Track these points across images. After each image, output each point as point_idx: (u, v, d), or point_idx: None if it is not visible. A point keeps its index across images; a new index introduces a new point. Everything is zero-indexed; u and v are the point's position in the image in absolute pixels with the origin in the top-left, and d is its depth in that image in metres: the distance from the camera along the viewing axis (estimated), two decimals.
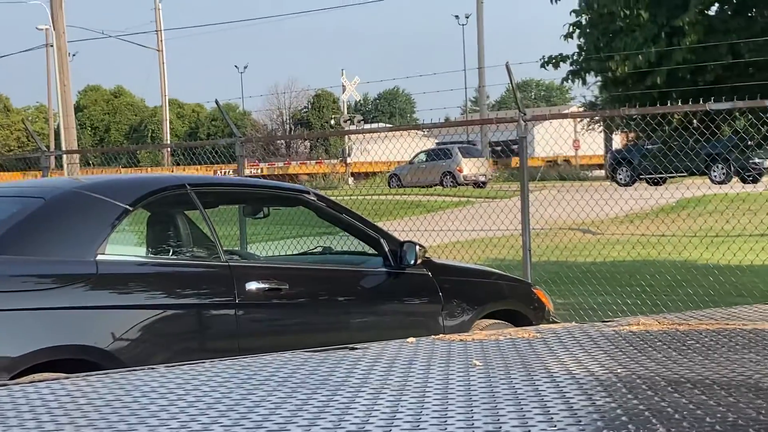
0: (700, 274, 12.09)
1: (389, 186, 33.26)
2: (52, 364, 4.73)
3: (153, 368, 3.28)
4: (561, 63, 13.27)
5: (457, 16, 76.48)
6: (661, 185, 20.75)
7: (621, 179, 26.56)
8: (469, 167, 36.23)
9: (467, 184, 34.51)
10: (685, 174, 21.42)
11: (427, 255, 6.69)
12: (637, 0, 12.17)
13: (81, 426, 2.40)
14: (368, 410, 2.43)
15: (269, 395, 2.70)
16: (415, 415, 2.33)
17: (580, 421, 2.20)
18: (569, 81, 13.53)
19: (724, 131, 12.59)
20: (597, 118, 18.49)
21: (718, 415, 2.20)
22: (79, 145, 37.72)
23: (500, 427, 2.17)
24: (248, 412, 2.48)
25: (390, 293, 6.55)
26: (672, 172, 16.22)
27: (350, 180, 38.19)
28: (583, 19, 13.21)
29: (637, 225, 15.60)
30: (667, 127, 11.79)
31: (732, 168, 22.59)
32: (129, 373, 3.22)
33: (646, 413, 2.26)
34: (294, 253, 9.75)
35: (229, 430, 2.26)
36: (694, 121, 10.98)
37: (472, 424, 2.22)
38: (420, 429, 2.19)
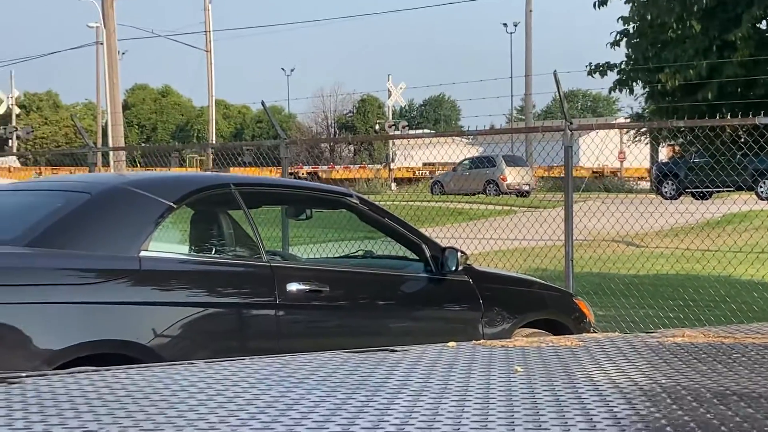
0: (744, 290, 11.95)
1: (431, 192, 33.20)
2: (93, 358, 4.75)
3: (192, 363, 3.28)
4: (608, 71, 13.18)
5: (505, 24, 76.33)
6: (707, 199, 20.55)
7: (666, 192, 26.34)
8: (513, 176, 36.09)
9: (510, 193, 34.37)
10: (732, 189, 21.19)
11: (468, 262, 6.65)
12: (690, 12, 12.06)
13: (119, 417, 2.40)
14: (408, 412, 2.40)
15: (308, 393, 2.68)
16: (456, 419, 2.31)
17: (624, 430, 2.16)
18: (616, 90, 13.44)
19: None
20: (643, 130, 18.34)
21: (766, 429, 2.15)
22: (126, 143, 38.04)
23: None
24: (287, 409, 2.46)
25: (430, 299, 6.51)
26: (719, 187, 16.04)
27: (393, 185, 38.18)
28: (631, 28, 13.11)
29: (681, 239, 15.44)
30: (716, 141, 11.67)
31: None
32: (169, 367, 3.21)
33: (692, 424, 2.21)
34: (335, 256, 9.76)
35: (267, 426, 2.24)
36: (742, 135, 10.85)
37: (513, 429, 2.19)
38: None
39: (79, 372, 3.11)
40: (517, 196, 33.05)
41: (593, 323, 7.40)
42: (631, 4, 13.37)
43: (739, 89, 12.03)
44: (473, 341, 3.82)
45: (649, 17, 12.46)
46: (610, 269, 13.87)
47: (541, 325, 6.76)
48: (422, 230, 6.98)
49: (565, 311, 7.11)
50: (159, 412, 2.43)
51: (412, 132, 42.71)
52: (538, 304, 7.02)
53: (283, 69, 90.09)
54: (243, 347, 5.35)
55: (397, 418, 2.33)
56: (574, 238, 10.19)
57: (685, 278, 13.42)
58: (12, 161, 43.84)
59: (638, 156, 35.77)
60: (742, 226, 15.46)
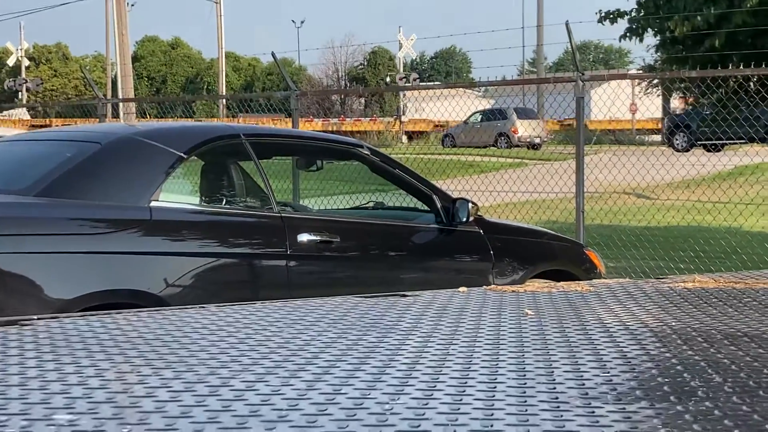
0: (756, 241, 11.96)
1: (443, 145, 33.13)
2: (104, 308, 4.77)
3: (204, 307, 3.29)
4: (619, 19, 13.06)
5: None
6: (719, 151, 20.46)
7: (678, 144, 26.21)
8: (525, 128, 35.99)
9: (522, 146, 34.28)
10: (745, 140, 21.07)
11: (479, 213, 6.65)
12: None
13: (131, 357, 2.41)
14: (418, 353, 2.41)
15: (319, 335, 2.69)
16: (466, 359, 2.31)
17: (634, 369, 2.17)
18: (627, 38, 13.31)
19: None
20: (655, 81, 18.21)
21: None
22: (135, 95, 37.96)
23: (552, 372, 2.15)
24: (298, 350, 2.47)
25: (441, 249, 6.53)
26: (731, 138, 15.97)
27: (404, 138, 38.12)
28: None
29: (692, 190, 15.41)
30: (725, 89, 11.59)
31: None
32: (180, 311, 3.23)
33: (702, 363, 2.22)
34: (347, 207, 9.76)
35: (279, 365, 2.26)
36: (752, 83, 10.77)
37: (524, 368, 2.20)
38: (471, 371, 2.17)
39: (91, 315, 3.12)
40: (529, 148, 32.96)
41: (604, 274, 7.42)
42: None
43: (749, 39, 11.91)
44: (484, 287, 3.82)
45: None
46: (621, 221, 13.89)
47: (552, 276, 6.76)
48: (434, 183, 6.98)
49: (576, 262, 7.12)
50: (170, 352, 2.44)
51: (422, 84, 42.52)
52: (548, 255, 7.04)
53: (293, 21, 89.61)
54: (254, 297, 5.36)
55: (407, 358, 2.34)
56: (585, 190, 10.17)
57: (696, 230, 13.43)
58: (22, 113, 43.83)
59: (650, 107, 35.61)
60: (754, 178, 15.43)
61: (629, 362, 2.25)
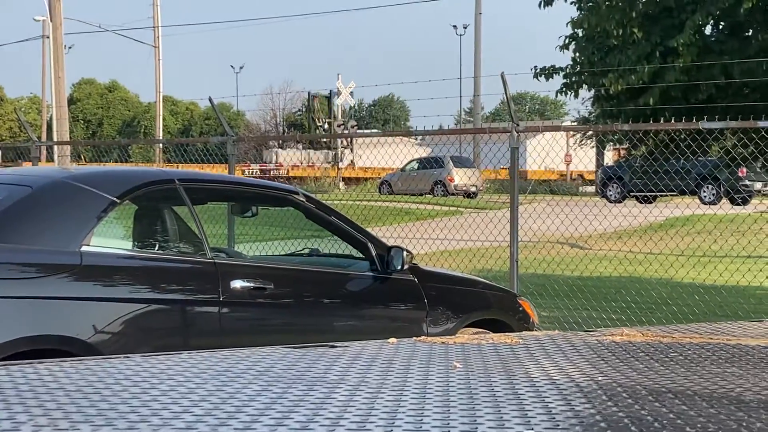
0: (686, 293, 12.09)
1: (379, 192, 33.21)
2: (32, 354, 4.66)
3: (129, 357, 3.24)
4: (554, 75, 13.24)
5: (455, 26, 76.67)
6: (651, 203, 20.77)
7: (611, 195, 26.58)
8: (461, 177, 36.22)
9: (458, 194, 34.48)
10: (676, 193, 21.42)
11: (414, 261, 6.65)
12: (630, 18, 12.15)
13: (49, 410, 2.35)
14: (344, 407, 2.39)
15: (244, 387, 2.66)
16: (391, 413, 2.29)
17: (558, 425, 2.17)
18: (563, 94, 13.49)
19: (714, 150, 12.59)
20: (590, 133, 18.49)
21: (698, 426, 2.16)
22: (71, 138, 37.60)
23: (476, 428, 2.13)
24: (221, 403, 2.44)
25: (375, 297, 6.50)
26: (662, 191, 16.23)
27: (341, 184, 38.15)
28: (580, 32, 13.18)
29: (624, 241, 15.60)
30: (655, 142, 11.78)
31: (722, 189, 22.59)
32: (104, 361, 3.17)
33: (626, 420, 2.22)
34: (282, 253, 9.71)
35: (200, 419, 2.22)
36: (683, 135, 10.97)
37: (448, 424, 2.18)
38: (395, 426, 2.14)
39: (12, 365, 3.05)
40: (465, 197, 33.16)
41: (537, 323, 7.44)
42: (577, 10, 13.47)
43: (681, 94, 12.14)
44: (414, 338, 3.80)
45: (587, 24, 12.55)
46: (554, 270, 13.98)
47: (486, 325, 6.77)
48: (370, 229, 6.98)
49: (509, 311, 7.14)
50: (90, 405, 2.39)
51: (360, 131, 42.70)
52: (482, 304, 7.04)
53: (232, 66, 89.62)
54: (186, 344, 5.29)
55: (332, 412, 2.31)
56: (519, 239, 10.24)
57: (628, 280, 13.56)
58: None
59: (584, 159, 36.07)
60: (684, 230, 15.66)
61: (553, 419, 2.24)
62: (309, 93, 37.60)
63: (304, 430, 2.10)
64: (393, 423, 2.18)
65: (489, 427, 2.14)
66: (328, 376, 2.86)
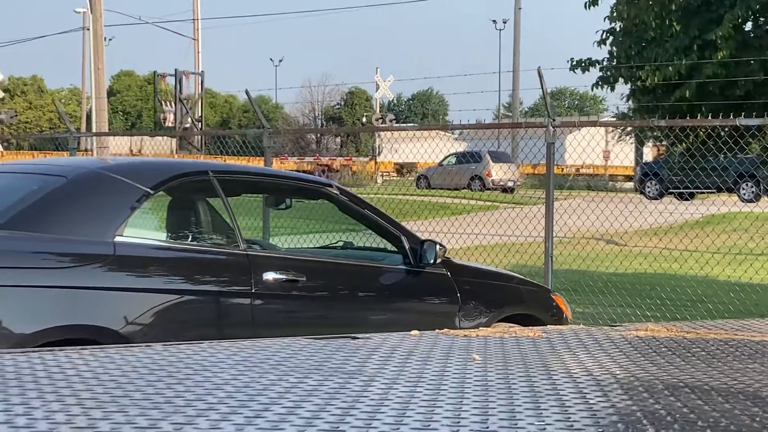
0: (722, 291, 11.99)
1: (417, 187, 33.19)
2: (64, 343, 4.70)
3: (149, 346, 3.25)
4: (590, 68, 13.18)
5: (494, 21, 76.50)
6: (689, 200, 20.61)
7: (649, 192, 26.38)
8: (498, 172, 36.14)
9: (495, 189, 34.39)
10: (714, 190, 21.24)
11: (447, 255, 6.64)
12: (669, 11, 12.06)
13: (63, 396, 2.37)
14: (356, 397, 2.39)
15: (260, 377, 2.66)
16: (404, 404, 2.29)
17: (569, 418, 2.15)
18: (599, 87, 13.44)
19: (753, 147, 12.46)
20: (628, 129, 18.37)
21: (711, 420, 2.14)
22: (110, 130, 37.80)
23: (487, 419, 2.12)
24: (235, 392, 2.44)
25: (407, 291, 6.50)
26: (699, 188, 16.10)
27: (379, 179, 38.18)
28: (617, 26, 13.11)
29: (660, 237, 15.50)
30: (693, 139, 11.69)
31: (762, 186, 22.34)
32: (124, 349, 3.19)
33: (638, 414, 2.20)
34: (315, 246, 9.73)
35: (211, 407, 2.22)
36: (722, 134, 10.87)
37: (459, 415, 2.17)
38: (405, 417, 2.14)
39: (33, 351, 3.08)
40: (502, 191, 33.07)
41: (570, 319, 7.41)
42: (616, 3, 13.39)
43: (719, 89, 12.04)
44: (436, 330, 3.80)
45: (626, 15, 12.48)
46: (590, 267, 13.91)
47: (519, 320, 6.74)
48: (405, 223, 6.98)
49: (543, 307, 7.11)
50: (105, 392, 2.40)
51: (397, 125, 42.71)
52: (515, 299, 7.02)
53: (271, 59, 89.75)
54: (217, 336, 5.30)
55: (344, 402, 2.31)
56: (555, 235, 10.19)
57: (664, 277, 13.47)
58: None
59: (621, 155, 35.85)
60: (721, 227, 15.52)
61: (566, 411, 2.23)
62: (155, 73, 34.85)
63: (314, 419, 2.10)
64: (404, 414, 2.18)
65: (500, 419, 2.13)
66: (345, 366, 2.86)
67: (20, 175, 5.93)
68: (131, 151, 39.58)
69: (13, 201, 5.29)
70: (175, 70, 33.72)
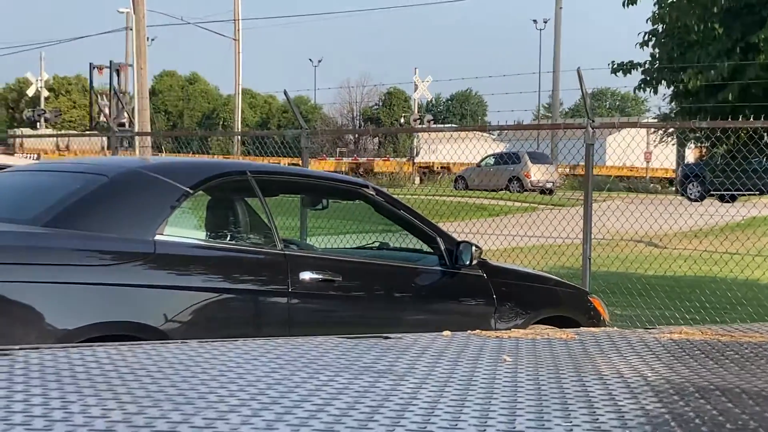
0: (762, 294, 11.89)
1: (455, 188, 33.14)
2: (105, 339, 4.76)
3: (185, 342, 3.30)
4: (632, 70, 13.11)
5: (535, 21, 76.22)
6: (730, 203, 20.45)
7: (691, 194, 26.18)
8: (537, 173, 35.99)
9: (534, 190, 34.25)
10: (756, 192, 21.04)
11: (483, 256, 6.64)
12: (711, 14, 11.98)
13: (100, 390, 2.41)
14: (385, 396, 2.41)
15: (292, 375, 2.70)
16: (432, 403, 2.31)
17: (597, 420, 2.16)
18: (641, 90, 13.36)
19: None
20: (670, 131, 18.25)
21: (740, 422, 2.14)
22: (152, 129, 38.07)
23: (515, 420, 2.14)
24: (267, 389, 2.47)
25: (443, 292, 6.51)
26: (741, 189, 15.97)
27: (417, 179, 38.16)
28: (660, 28, 13.04)
29: (700, 240, 15.38)
30: (735, 140, 11.60)
31: None
32: (161, 346, 3.23)
33: (666, 416, 2.21)
34: (352, 247, 9.76)
35: (244, 403, 2.26)
36: (765, 135, 10.77)
37: (487, 415, 2.19)
38: (433, 416, 2.16)
39: (71, 347, 3.13)
40: (541, 193, 32.93)
41: (608, 322, 7.37)
42: (657, 6, 13.32)
43: (762, 92, 11.94)
44: (468, 331, 3.81)
45: (668, 18, 12.41)
46: (628, 269, 13.84)
47: (556, 322, 6.72)
48: (442, 225, 6.98)
49: (580, 309, 7.08)
50: (140, 387, 2.44)
51: (435, 126, 42.67)
52: (552, 301, 7.00)
53: (310, 60, 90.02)
54: (253, 334, 5.34)
55: (373, 401, 2.34)
56: (593, 236, 10.15)
57: (705, 280, 13.36)
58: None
59: (662, 156, 35.56)
60: (762, 230, 15.38)
61: (594, 412, 2.24)
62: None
63: (343, 416, 2.13)
64: (432, 413, 2.20)
65: (527, 419, 2.14)
66: (375, 365, 2.89)
67: (63, 174, 6.02)
68: (57, 147, 38.74)
69: (56, 199, 5.37)
70: (110, 61, 32.89)
